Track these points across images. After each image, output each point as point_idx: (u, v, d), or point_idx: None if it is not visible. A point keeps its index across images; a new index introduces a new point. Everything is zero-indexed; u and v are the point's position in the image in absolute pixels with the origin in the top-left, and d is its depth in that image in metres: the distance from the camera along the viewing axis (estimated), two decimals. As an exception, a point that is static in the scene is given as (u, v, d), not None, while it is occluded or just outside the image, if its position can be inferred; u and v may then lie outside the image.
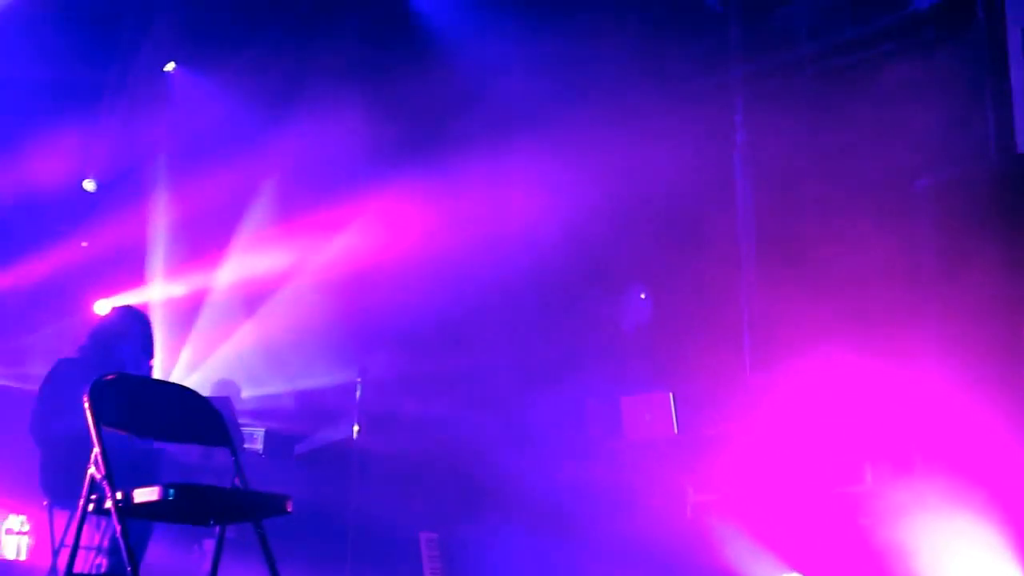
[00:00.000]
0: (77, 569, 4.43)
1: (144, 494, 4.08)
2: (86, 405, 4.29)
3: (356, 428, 7.00)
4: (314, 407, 7.77)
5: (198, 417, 4.69)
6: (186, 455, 6.83)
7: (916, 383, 6.10)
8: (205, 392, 7.38)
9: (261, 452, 7.48)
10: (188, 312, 8.29)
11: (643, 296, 7.89)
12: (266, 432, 7.49)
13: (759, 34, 7.69)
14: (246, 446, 7.36)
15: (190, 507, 4.36)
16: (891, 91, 6.82)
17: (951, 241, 6.01)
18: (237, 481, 4.65)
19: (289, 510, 4.64)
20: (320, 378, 7.70)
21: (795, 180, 7.13)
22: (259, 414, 7.65)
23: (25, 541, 6.81)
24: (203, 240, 8.38)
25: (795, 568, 6.41)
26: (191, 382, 7.86)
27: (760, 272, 7.55)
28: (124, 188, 8.78)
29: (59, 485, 5.38)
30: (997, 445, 5.41)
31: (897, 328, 6.35)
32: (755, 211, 7.52)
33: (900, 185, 6.49)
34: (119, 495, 4.12)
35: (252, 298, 8.29)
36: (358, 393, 7.05)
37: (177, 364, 8.16)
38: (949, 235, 6.03)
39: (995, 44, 6.40)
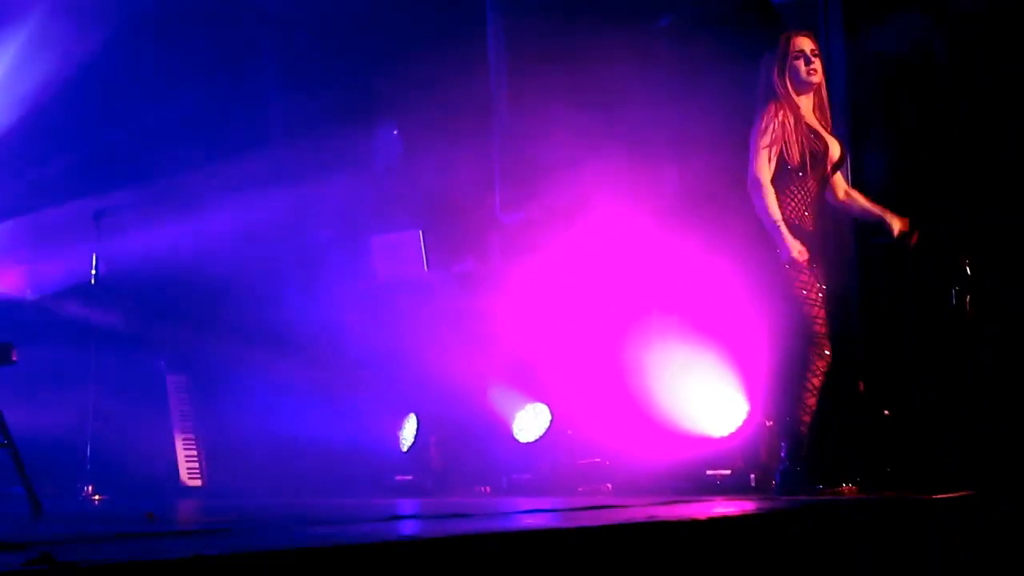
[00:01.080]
0: None
1: None
2: None
3: (94, 271, 6.70)
4: (49, 247, 7.38)
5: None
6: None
7: (657, 226, 6.29)
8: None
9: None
10: None
11: (395, 133, 7.80)
12: (-5, 277, 7.10)
13: None
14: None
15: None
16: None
17: (692, 80, 6.16)
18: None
19: (14, 359, 4.46)
20: (55, 216, 7.30)
21: (546, 15, 7.10)
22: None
23: None
24: None
25: (541, 400, 6.64)
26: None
27: (511, 112, 7.56)
28: None
29: None
30: (732, 289, 5.67)
31: (638, 171, 6.51)
32: (507, 47, 7.48)
33: (646, 22, 6.58)
34: None
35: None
36: (98, 230, 6.72)
37: None
38: (690, 75, 6.17)
39: None
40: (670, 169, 6.39)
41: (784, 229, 4.98)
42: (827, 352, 4.98)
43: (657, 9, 6.51)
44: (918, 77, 5.60)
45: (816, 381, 4.97)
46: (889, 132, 5.70)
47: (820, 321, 4.98)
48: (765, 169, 5.01)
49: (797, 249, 4.96)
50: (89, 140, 7.58)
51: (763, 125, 5.04)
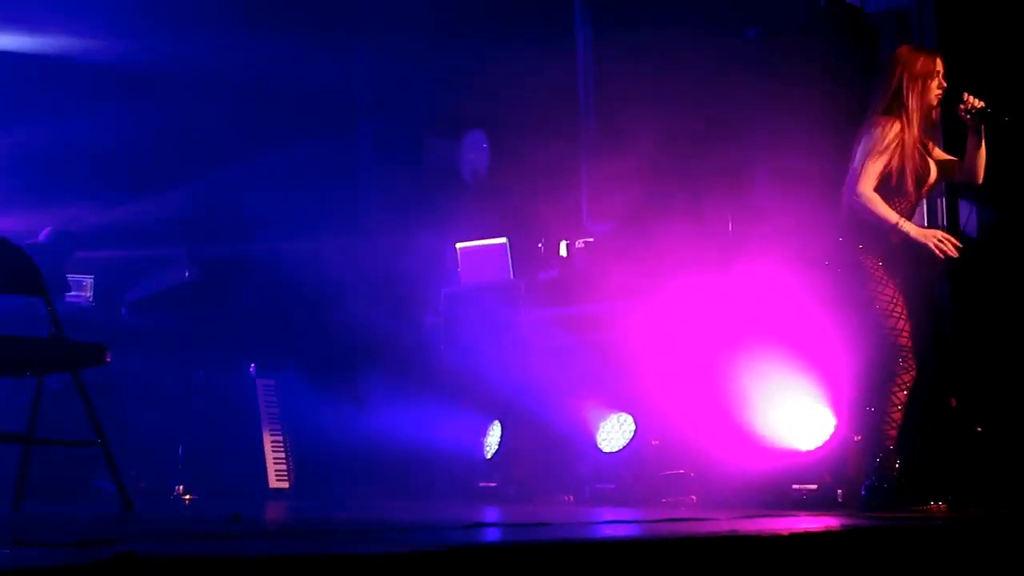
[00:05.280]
0: None
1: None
2: None
3: (187, 273, 6.83)
4: (146, 252, 7.54)
5: (4, 264, 4.52)
6: (8, 305, 6.63)
7: (745, 238, 6.23)
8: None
9: (91, 300, 7.28)
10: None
11: (484, 145, 7.85)
12: (95, 280, 7.28)
13: None
14: (74, 293, 7.15)
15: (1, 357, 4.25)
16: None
17: (781, 91, 6.09)
18: (53, 330, 4.54)
19: (108, 360, 4.57)
20: (148, 217, 7.45)
21: (633, 26, 7.09)
22: (88, 263, 7.39)
23: None
24: None
25: (626, 410, 6.61)
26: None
27: (599, 122, 7.56)
28: None
29: None
30: (819, 302, 5.59)
31: (731, 192, 6.45)
32: (595, 57, 7.49)
33: (733, 35, 6.54)
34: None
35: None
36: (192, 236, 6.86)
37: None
38: (778, 85, 6.11)
39: None
40: (761, 182, 6.31)
41: (909, 226, 4.88)
42: (912, 365, 4.88)
43: (745, 20, 6.45)
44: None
45: (903, 395, 4.86)
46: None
47: (905, 334, 4.87)
48: (871, 183, 4.90)
49: (934, 238, 4.86)
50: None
51: (882, 140, 4.90)
